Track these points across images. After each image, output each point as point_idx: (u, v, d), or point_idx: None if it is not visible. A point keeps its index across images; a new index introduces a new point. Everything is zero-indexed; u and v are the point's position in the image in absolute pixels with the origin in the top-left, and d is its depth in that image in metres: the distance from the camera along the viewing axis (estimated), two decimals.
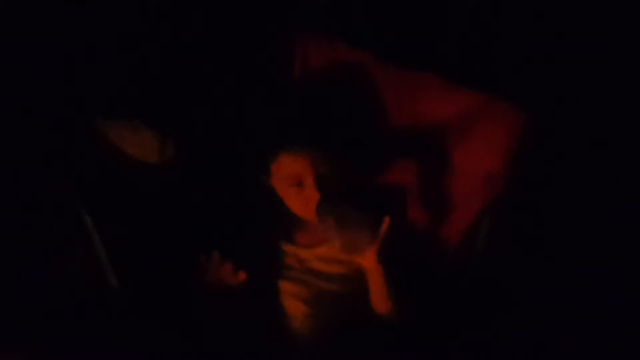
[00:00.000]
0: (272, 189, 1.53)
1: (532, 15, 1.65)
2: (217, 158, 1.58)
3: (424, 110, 1.60)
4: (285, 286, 1.50)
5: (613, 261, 1.52)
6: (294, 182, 1.49)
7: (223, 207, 1.56)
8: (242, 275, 1.43)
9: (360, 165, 1.57)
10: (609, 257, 1.51)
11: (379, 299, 1.44)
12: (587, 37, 1.61)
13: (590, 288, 1.50)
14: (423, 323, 1.44)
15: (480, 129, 1.54)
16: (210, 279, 1.44)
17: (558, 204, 1.52)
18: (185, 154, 1.56)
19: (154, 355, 1.36)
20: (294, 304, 1.48)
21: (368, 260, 1.41)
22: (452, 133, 1.57)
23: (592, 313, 1.50)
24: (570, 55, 1.61)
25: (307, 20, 1.65)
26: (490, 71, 1.64)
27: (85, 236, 1.40)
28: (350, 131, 1.59)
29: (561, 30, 1.63)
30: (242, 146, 1.59)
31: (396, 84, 1.61)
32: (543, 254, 1.49)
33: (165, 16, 1.60)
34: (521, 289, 1.50)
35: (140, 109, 1.55)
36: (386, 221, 1.39)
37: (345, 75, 1.64)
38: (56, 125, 1.52)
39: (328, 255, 1.51)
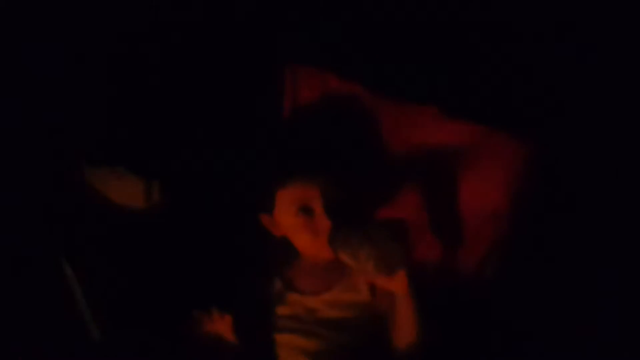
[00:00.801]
0: (271, 229, 1.43)
1: (531, 43, 1.57)
2: (207, 199, 1.51)
3: (421, 142, 1.52)
4: (291, 340, 1.36)
5: (625, 293, 1.44)
6: (301, 207, 1.37)
7: (216, 254, 1.47)
8: (240, 329, 1.33)
9: (367, 193, 1.47)
10: (621, 291, 1.43)
11: (406, 332, 1.31)
12: (590, 64, 1.54)
13: (602, 322, 1.42)
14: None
15: (481, 163, 1.46)
16: (204, 334, 1.34)
17: (567, 241, 1.44)
18: (173, 198, 1.50)
19: None
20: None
21: (400, 283, 1.28)
22: (452, 167, 1.49)
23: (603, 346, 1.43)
24: (575, 83, 1.54)
25: (297, 53, 1.58)
26: (489, 102, 1.55)
27: (66, 286, 1.33)
28: (352, 160, 1.52)
29: (563, 58, 1.56)
30: (236, 184, 1.51)
31: (391, 115, 1.54)
32: (552, 292, 1.42)
33: (150, 56, 1.53)
34: (530, 326, 1.42)
35: (124, 154, 1.49)
36: (408, 229, 1.31)
37: (338, 107, 1.57)
38: (41, 173, 1.46)
39: (340, 300, 1.37)
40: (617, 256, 1.43)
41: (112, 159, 1.48)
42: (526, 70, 1.58)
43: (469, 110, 1.50)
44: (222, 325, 1.35)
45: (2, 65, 1.46)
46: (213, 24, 1.57)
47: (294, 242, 1.43)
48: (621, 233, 1.43)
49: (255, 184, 1.48)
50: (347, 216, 1.38)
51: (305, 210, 1.39)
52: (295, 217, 1.39)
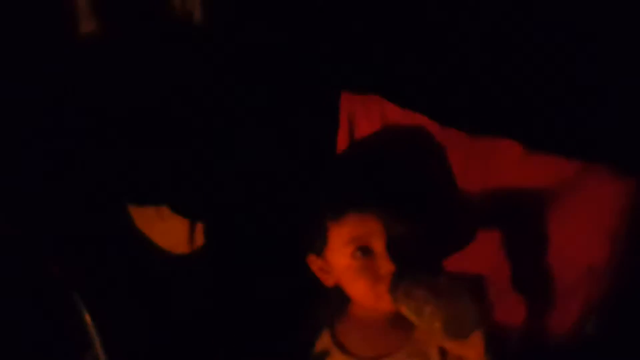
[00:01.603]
0: (321, 276, 1.27)
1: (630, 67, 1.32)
2: (253, 243, 1.40)
3: (501, 183, 1.32)
4: None
5: None
6: (359, 246, 1.19)
7: (259, 308, 1.33)
8: None
9: (436, 238, 1.29)
10: None
11: None
12: None
13: None
14: None
15: (574, 207, 1.25)
16: None
17: None
18: (217, 244, 1.40)
19: None
20: None
21: (474, 349, 1.10)
22: (539, 212, 1.29)
23: None
24: None
25: (354, 80, 1.41)
26: (583, 133, 1.34)
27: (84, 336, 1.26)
28: (418, 201, 1.31)
29: None
30: (285, 226, 1.38)
31: (463, 151, 1.35)
32: None
33: (193, 86, 1.42)
34: None
35: (169, 194, 1.40)
36: (486, 284, 1.14)
37: (401, 141, 1.39)
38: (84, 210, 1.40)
39: None
40: None
41: (157, 199, 1.40)
42: (627, 94, 1.34)
43: (557, 144, 1.29)
44: None
45: None
46: (261, 46, 1.42)
47: (348, 290, 1.24)
48: None
49: (306, 224, 1.31)
50: (413, 262, 1.19)
51: (364, 251, 1.20)
52: (351, 259, 1.20)
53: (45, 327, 1.27)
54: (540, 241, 1.27)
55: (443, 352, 1.19)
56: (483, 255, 1.30)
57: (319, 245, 1.25)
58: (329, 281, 1.27)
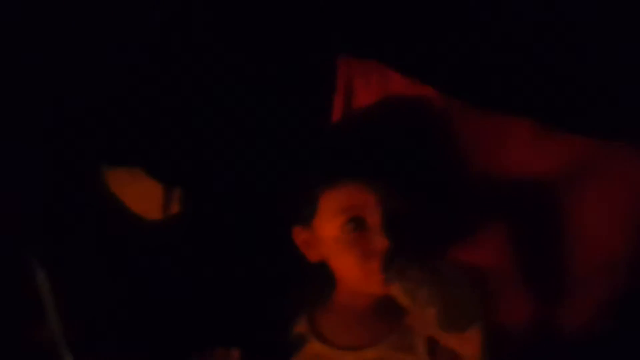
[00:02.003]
0: (305, 250, 1.14)
1: None
2: (234, 215, 1.27)
3: (511, 164, 1.21)
4: None
5: None
6: (352, 217, 1.06)
7: (236, 284, 1.22)
8: None
9: (437, 221, 1.17)
10: None
11: None
12: None
13: None
14: None
15: (593, 189, 1.15)
16: None
17: None
18: (194, 211, 1.28)
19: None
20: None
21: (470, 344, 1.00)
22: (553, 196, 1.18)
23: None
24: None
25: (354, 43, 1.28)
26: (604, 109, 1.21)
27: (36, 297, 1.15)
28: (419, 179, 1.19)
29: None
30: (270, 195, 1.25)
31: (471, 127, 1.24)
32: None
33: (180, 44, 1.30)
34: None
35: (145, 155, 1.28)
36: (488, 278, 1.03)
37: (402, 113, 1.27)
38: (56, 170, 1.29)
39: (386, 359, 1.08)
40: None
41: (132, 160, 1.29)
42: None
43: (575, 121, 1.18)
44: None
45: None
46: (255, 8, 1.30)
47: (336, 266, 1.12)
48: None
49: (295, 191, 1.18)
50: (410, 241, 1.07)
51: (357, 223, 1.07)
52: (341, 230, 1.08)
53: None
54: (552, 230, 1.16)
55: (432, 346, 1.08)
56: (488, 245, 1.19)
57: (307, 214, 1.12)
58: (313, 256, 1.14)
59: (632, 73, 1.20)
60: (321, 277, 1.17)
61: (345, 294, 1.14)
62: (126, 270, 1.24)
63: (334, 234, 1.09)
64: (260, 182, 1.27)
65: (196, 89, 1.27)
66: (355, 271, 1.09)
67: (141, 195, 1.28)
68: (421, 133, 1.24)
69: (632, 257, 1.12)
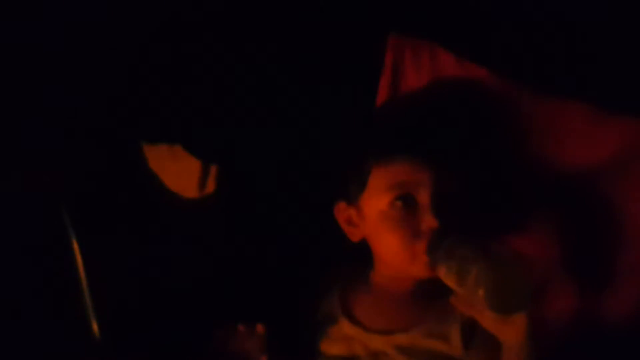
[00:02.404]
0: (346, 228, 1.10)
1: None
2: (270, 198, 1.22)
3: (567, 150, 1.14)
4: None
5: None
6: (401, 194, 1.02)
7: (268, 263, 1.18)
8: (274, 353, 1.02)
9: (488, 205, 1.12)
10: None
11: None
12: None
13: None
14: None
15: None
16: (230, 353, 1.03)
17: None
18: (230, 191, 1.24)
19: None
20: None
21: (516, 330, 0.94)
22: (607, 182, 1.12)
23: None
24: None
25: (405, 22, 1.22)
26: None
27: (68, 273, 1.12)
28: (471, 163, 1.14)
29: None
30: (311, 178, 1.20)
31: (526, 111, 1.17)
32: None
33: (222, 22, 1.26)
34: None
35: (183, 130, 1.25)
36: (537, 266, 0.97)
37: (454, 96, 1.20)
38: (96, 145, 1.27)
39: (419, 346, 1.02)
40: None
41: (171, 137, 1.25)
42: None
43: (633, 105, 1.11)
44: (251, 345, 1.03)
45: None
46: None
47: (379, 245, 1.07)
48: None
49: (344, 167, 1.13)
50: (459, 224, 1.01)
51: (406, 201, 1.02)
52: (390, 207, 1.03)
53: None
54: (601, 219, 1.10)
55: (467, 335, 1.02)
56: (536, 232, 1.13)
57: (355, 190, 1.08)
58: (355, 235, 1.10)
59: None
60: (359, 258, 1.12)
61: (382, 276, 1.10)
62: (161, 247, 1.20)
63: (381, 210, 1.04)
64: (304, 159, 1.22)
65: (238, 64, 1.23)
66: (399, 251, 1.04)
67: (179, 172, 1.24)
68: (475, 114, 1.18)
69: None
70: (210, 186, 1.23)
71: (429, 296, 1.05)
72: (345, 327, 1.08)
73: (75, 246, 1.14)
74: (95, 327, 1.11)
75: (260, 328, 1.03)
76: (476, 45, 1.19)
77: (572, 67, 1.14)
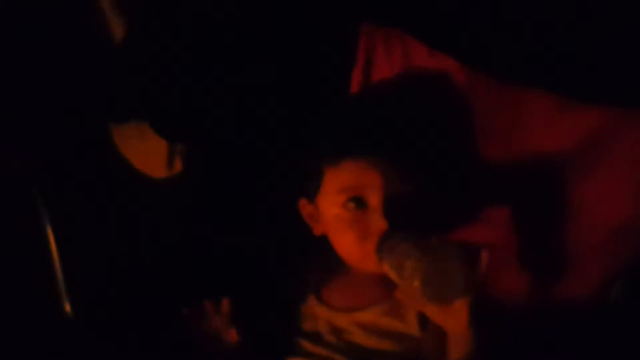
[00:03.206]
0: (310, 222, 1.13)
1: None
2: (238, 175, 1.23)
3: (529, 138, 1.17)
4: None
5: None
6: (352, 196, 1.06)
7: (236, 242, 1.18)
8: (239, 335, 1.05)
9: (441, 199, 1.13)
10: None
11: None
12: None
13: None
14: None
15: (608, 159, 1.12)
16: (199, 331, 1.05)
17: None
18: (197, 170, 1.24)
19: None
20: None
21: (455, 317, 0.97)
22: (567, 168, 1.14)
23: None
24: None
25: (376, 11, 1.24)
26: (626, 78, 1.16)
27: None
28: (431, 154, 1.17)
29: None
30: (278, 162, 1.21)
31: (491, 101, 1.19)
32: None
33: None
34: None
35: (151, 109, 1.24)
36: (485, 257, 0.96)
37: (423, 86, 1.22)
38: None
39: (377, 324, 1.06)
40: None
41: (138, 116, 1.25)
42: None
43: (598, 91, 1.13)
44: (217, 322, 1.06)
45: None
46: None
47: (335, 243, 1.11)
48: None
49: (302, 165, 1.16)
50: (409, 223, 1.04)
51: (358, 203, 1.06)
52: (342, 209, 1.07)
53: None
54: (563, 203, 1.12)
55: (423, 321, 1.05)
56: (494, 222, 1.14)
57: (312, 189, 1.12)
58: (317, 230, 1.14)
59: None
60: (325, 248, 1.14)
61: (344, 265, 1.13)
62: (128, 226, 1.20)
63: (335, 211, 1.08)
64: (269, 148, 1.23)
65: (209, 45, 1.23)
66: (352, 250, 1.08)
67: (146, 152, 1.24)
68: (436, 114, 1.21)
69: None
70: (177, 166, 1.24)
71: (391, 283, 1.05)
72: (312, 305, 1.11)
73: (47, 226, 1.14)
74: (67, 306, 1.11)
75: (226, 304, 1.05)
76: (445, 35, 1.21)
77: (539, 56, 1.17)
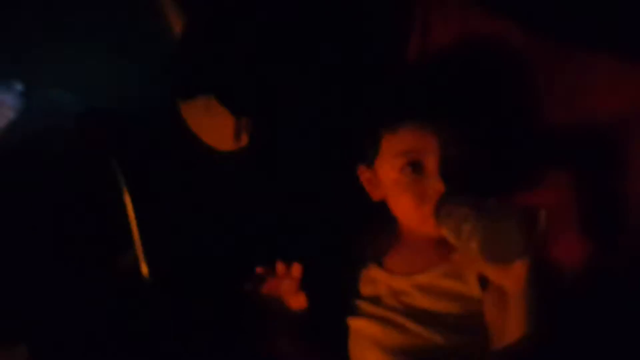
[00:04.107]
0: (369, 188, 1.16)
1: None
2: (301, 145, 1.26)
3: (592, 102, 1.15)
4: (366, 327, 1.10)
5: None
6: (410, 161, 1.08)
7: (299, 209, 1.21)
8: (305, 299, 1.09)
9: (501, 163, 1.16)
10: None
11: (514, 333, 1.00)
12: None
13: None
14: None
15: None
16: (266, 294, 1.09)
17: None
18: (263, 142, 1.28)
19: None
20: (375, 354, 1.08)
21: (513, 278, 0.98)
22: (632, 133, 1.12)
23: None
24: None
25: None
26: None
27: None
28: (489, 120, 1.18)
29: None
30: (339, 133, 1.23)
31: (553, 65, 1.18)
32: None
33: None
34: None
35: (218, 84, 1.29)
36: (543, 218, 0.95)
37: (479, 48, 1.23)
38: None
39: (437, 286, 1.09)
40: None
41: (205, 90, 1.30)
42: None
43: None
44: (286, 285, 1.09)
45: None
46: None
47: (393, 207, 1.14)
48: None
49: (361, 131, 1.18)
50: (466, 186, 1.06)
51: (415, 167, 1.09)
52: (400, 173, 1.10)
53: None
54: (625, 167, 1.11)
55: (484, 282, 1.07)
56: (554, 182, 1.14)
57: (370, 154, 1.15)
58: (375, 195, 1.17)
59: None
60: (384, 214, 1.17)
61: (403, 229, 1.17)
62: (195, 200, 1.25)
63: (393, 175, 1.11)
64: (331, 118, 1.26)
65: (272, 19, 1.27)
66: (410, 213, 1.11)
67: (215, 126, 1.29)
68: (496, 73, 1.21)
69: None
70: (244, 139, 1.28)
71: (450, 246, 1.07)
72: (372, 270, 1.15)
73: (127, 196, 1.21)
74: (145, 269, 1.18)
75: (297, 268, 1.08)
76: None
77: (601, 17, 1.14)
